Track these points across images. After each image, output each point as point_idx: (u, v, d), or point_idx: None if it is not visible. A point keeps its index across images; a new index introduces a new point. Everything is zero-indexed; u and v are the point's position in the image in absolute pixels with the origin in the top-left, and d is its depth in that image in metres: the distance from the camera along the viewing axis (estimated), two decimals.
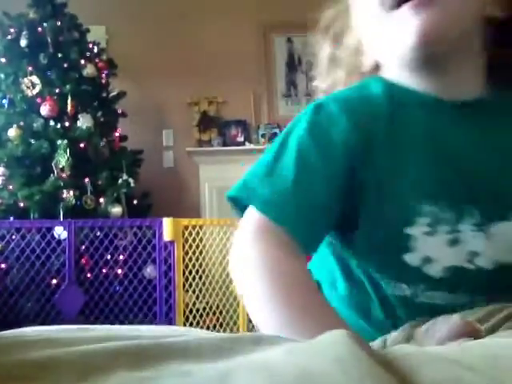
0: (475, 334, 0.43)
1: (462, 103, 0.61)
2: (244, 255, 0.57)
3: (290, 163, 0.58)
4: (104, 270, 2.82)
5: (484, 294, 0.58)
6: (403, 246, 0.58)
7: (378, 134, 0.60)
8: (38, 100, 3.16)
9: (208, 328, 2.67)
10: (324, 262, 0.69)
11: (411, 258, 0.58)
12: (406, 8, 0.58)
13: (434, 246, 0.58)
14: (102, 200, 3.06)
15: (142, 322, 2.72)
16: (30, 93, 3.19)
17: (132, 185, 3.23)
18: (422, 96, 0.62)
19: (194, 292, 2.74)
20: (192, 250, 2.72)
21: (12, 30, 3.31)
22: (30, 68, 3.21)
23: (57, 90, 3.20)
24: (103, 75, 3.52)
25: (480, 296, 0.58)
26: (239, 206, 0.61)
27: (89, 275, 2.80)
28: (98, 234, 2.79)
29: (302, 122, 0.61)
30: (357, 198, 0.59)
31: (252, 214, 0.58)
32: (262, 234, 0.56)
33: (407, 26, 0.58)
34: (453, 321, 0.45)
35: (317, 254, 0.67)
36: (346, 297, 0.66)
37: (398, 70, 0.64)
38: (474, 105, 0.62)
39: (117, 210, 3.08)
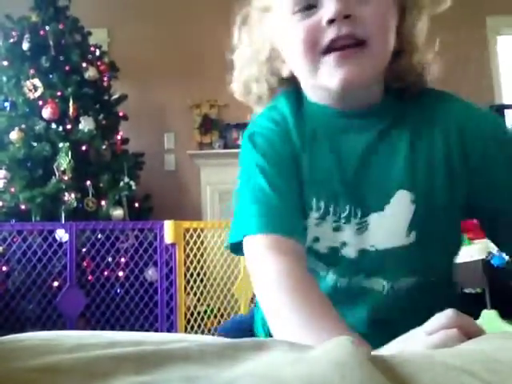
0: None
1: (358, 112, 0.72)
2: (259, 272, 0.65)
3: (257, 188, 0.69)
4: (105, 273, 2.82)
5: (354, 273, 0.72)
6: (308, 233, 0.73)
7: (296, 147, 0.72)
8: (40, 103, 3.17)
9: (209, 331, 2.67)
10: None
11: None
12: (333, 57, 0.65)
13: (321, 231, 0.72)
14: (103, 202, 3.06)
15: (143, 325, 2.72)
16: (31, 95, 3.19)
17: (133, 187, 3.23)
18: (327, 109, 0.73)
19: (195, 295, 2.74)
20: (193, 252, 2.72)
21: (14, 33, 3.32)
22: (32, 71, 3.22)
23: (58, 93, 3.20)
24: (105, 78, 3.53)
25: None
26: (239, 249, 0.70)
27: (90, 278, 2.80)
28: (100, 236, 2.80)
29: (249, 157, 0.74)
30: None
31: (250, 241, 0.67)
32: (265, 248, 0.65)
33: (334, 71, 0.66)
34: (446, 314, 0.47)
35: None
36: None
37: (310, 91, 0.74)
38: (368, 112, 0.72)
39: (118, 212, 3.08)
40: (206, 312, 2.78)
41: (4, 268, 2.75)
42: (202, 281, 2.77)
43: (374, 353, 0.43)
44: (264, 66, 0.77)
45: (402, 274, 0.72)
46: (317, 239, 0.72)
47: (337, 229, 0.71)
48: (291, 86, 0.77)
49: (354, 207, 0.70)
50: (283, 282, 0.60)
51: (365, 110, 0.72)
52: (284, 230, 0.66)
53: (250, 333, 0.88)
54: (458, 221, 0.74)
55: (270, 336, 0.75)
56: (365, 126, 0.72)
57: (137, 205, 3.31)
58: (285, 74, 0.76)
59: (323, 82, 0.67)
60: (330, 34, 0.65)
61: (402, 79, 0.74)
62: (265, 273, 0.63)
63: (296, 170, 0.71)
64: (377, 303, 0.72)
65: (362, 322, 0.71)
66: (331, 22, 0.64)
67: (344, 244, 0.71)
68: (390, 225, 0.70)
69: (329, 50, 0.66)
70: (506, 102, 4.39)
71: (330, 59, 0.65)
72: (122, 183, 3.20)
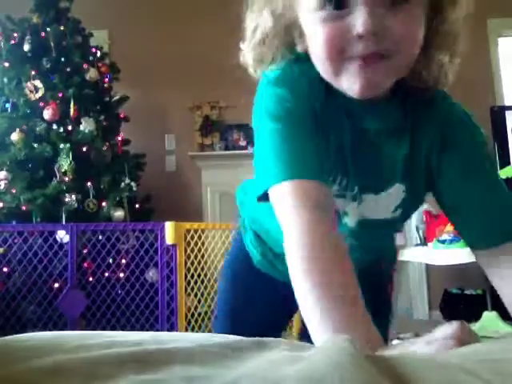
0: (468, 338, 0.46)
1: (373, 102, 0.71)
2: (288, 235, 0.64)
3: (275, 144, 0.69)
4: (106, 274, 2.82)
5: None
6: None
7: (317, 109, 0.72)
8: (41, 104, 3.17)
9: (210, 332, 2.67)
10: None
11: None
12: (354, 66, 0.65)
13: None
14: (104, 204, 3.07)
15: (143, 326, 2.72)
16: (32, 97, 3.20)
17: (134, 189, 3.23)
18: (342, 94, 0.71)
19: (195, 296, 2.74)
20: (194, 253, 2.72)
21: (15, 35, 3.32)
22: (33, 72, 3.23)
23: (60, 94, 3.21)
24: (106, 79, 3.53)
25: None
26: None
27: (91, 279, 2.80)
28: (100, 237, 2.80)
29: (271, 99, 0.72)
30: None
31: (276, 192, 0.67)
32: (292, 201, 0.65)
33: (354, 80, 0.66)
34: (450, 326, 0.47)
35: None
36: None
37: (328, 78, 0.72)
38: (382, 104, 0.74)
39: (119, 213, 3.08)
40: (206, 313, 2.79)
41: (5, 269, 2.76)
42: (202, 282, 2.77)
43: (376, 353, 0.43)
44: (281, 35, 0.74)
45: (378, 229, 0.86)
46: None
47: (340, 196, 0.80)
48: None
49: (354, 184, 0.79)
50: (312, 259, 0.60)
51: (378, 100, 0.73)
52: (309, 174, 0.67)
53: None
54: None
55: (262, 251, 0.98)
56: (379, 117, 0.75)
57: (138, 206, 3.32)
58: (300, 49, 0.74)
59: (343, 86, 0.68)
60: (355, 49, 0.64)
61: (420, 80, 0.74)
62: (294, 239, 0.63)
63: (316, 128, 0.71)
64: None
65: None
66: (360, 36, 0.63)
67: (352, 213, 0.82)
68: (381, 204, 0.81)
69: (352, 57, 0.65)
70: (506, 103, 4.39)
71: (352, 67, 0.66)
72: (122, 184, 3.20)
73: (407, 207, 0.82)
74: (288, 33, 0.74)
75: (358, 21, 0.62)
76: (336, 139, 0.75)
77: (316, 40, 0.67)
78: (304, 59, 0.73)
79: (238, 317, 1.06)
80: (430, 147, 0.76)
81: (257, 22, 0.78)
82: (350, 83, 0.67)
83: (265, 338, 0.42)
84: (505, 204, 0.75)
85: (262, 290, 1.05)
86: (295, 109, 0.70)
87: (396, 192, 0.80)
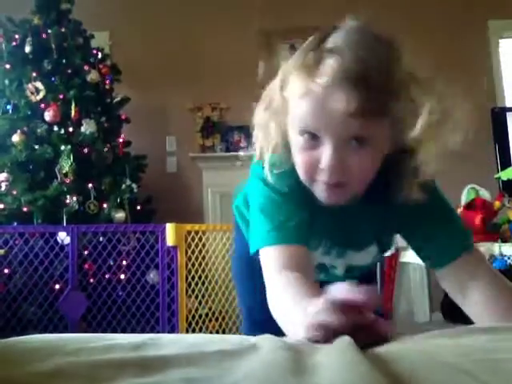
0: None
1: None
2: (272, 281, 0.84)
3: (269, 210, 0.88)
4: (107, 276, 2.82)
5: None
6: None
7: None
8: (42, 105, 3.17)
9: (211, 334, 2.67)
10: None
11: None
12: (323, 188, 0.82)
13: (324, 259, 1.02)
14: (105, 205, 3.07)
15: (144, 328, 2.72)
16: (33, 98, 3.20)
17: (135, 190, 3.24)
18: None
19: (196, 297, 2.74)
20: (195, 255, 2.72)
21: (16, 36, 3.33)
22: (34, 74, 3.23)
23: (61, 96, 3.21)
24: (107, 81, 3.53)
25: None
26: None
27: (92, 280, 2.80)
28: (101, 239, 2.80)
29: (265, 195, 0.91)
30: None
31: (268, 252, 0.86)
32: (277, 261, 0.84)
33: (322, 194, 0.84)
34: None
35: None
36: None
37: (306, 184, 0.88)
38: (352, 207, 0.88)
39: (120, 215, 3.08)
40: (207, 315, 2.78)
41: (6, 270, 2.76)
42: (203, 283, 2.78)
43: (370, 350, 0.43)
44: (281, 141, 0.88)
45: (362, 270, 1.10)
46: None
47: (324, 254, 1.01)
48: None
49: (339, 246, 1.00)
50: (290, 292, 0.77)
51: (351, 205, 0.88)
52: (294, 239, 0.86)
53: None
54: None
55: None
56: (352, 213, 0.91)
57: (139, 207, 3.31)
58: (288, 152, 0.87)
59: (316, 194, 0.85)
60: (321, 177, 0.81)
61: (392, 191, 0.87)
62: (274, 288, 0.82)
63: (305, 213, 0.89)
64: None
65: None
66: (327, 169, 0.79)
67: (329, 262, 1.03)
68: (363, 256, 1.03)
69: (320, 182, 0.83)
70: (507, 104, 4.39)
71: (319, 187, 0.83)
72: (123, 186, 3.20)
73: (380, 256, 1.09)
74: (285, 139, 0.87)
75: (324, 156, 0.78)
76: (320, 215, 0.90)
77: (296, 161, 0.84)
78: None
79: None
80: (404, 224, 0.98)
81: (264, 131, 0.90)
82: (319, 196, 0.85)
83: (262, 340, 0.42)
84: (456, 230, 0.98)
85: None
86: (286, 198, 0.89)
87: (371, 250, 1.02)
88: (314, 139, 0.79)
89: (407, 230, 1.00)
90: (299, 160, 0.83)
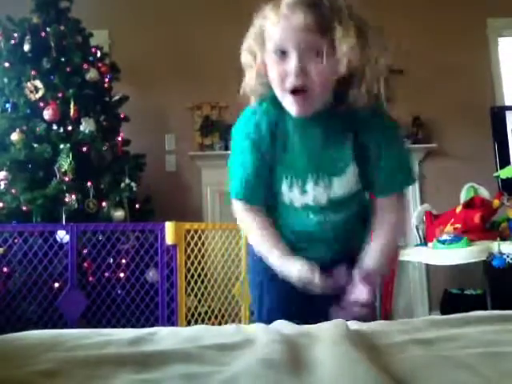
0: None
1: (312, 115, 1.11)
2: (242, 220, 1.26)
3: (241, 174, 1.22)
4: (106, 274, 2.82)
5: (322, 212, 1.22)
6: (282, 198, 1.23)
7: (274, 136, 1.17)
8: (41, 104, 3.17)
9: None
10: None
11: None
12: (290, 98, 1.08)
13: (295, 197, 1.21)
14: (104, 204, 3.06)
15: (143, 326, 2.71)
16: (33, 97, 3.20)
17: (134, 189, 3.23)
18: (290, 115, 1.12)
19: (195, 296, 2.74)
20: (194, 253, 2.72)
21: (15, 35, 3.32)
22: (33, 72, 3.22)
23: (60, 95, 3.21)
24: (106, 79, 3.52)
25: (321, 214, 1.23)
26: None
27: (91, 279, 2.80)
28: (101, 237, 2.80)
29: (245, 146, 1.20)
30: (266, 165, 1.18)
31: (235, 202, 1.26)
32: (242, 208, 1.24)
33: (290, 108, 1.09)
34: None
35: None
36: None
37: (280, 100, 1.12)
38: (318, 115, 1.12)
39: (119, 213, 3.08)
40: (206, 313, 2.78)
41: (5, 269, 2.76)
42: (202, 282, 2.78)
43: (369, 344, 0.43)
44: (261, 80, 1.16)
45: (347, 206, 1.24)
46: (291, 201, 1.22)
47: (303, 193, 1.19)
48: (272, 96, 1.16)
49: (322, 175, 1.18)
50: (257, 228, 1.22)
51: (316, 116, 1.12)
52: (253, 200, 1.23)
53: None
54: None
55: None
56: (319, 123, 1.15)
57: (138, 206, 3.31)
58: (268, 84, 1.14)
59: (286, 107, 1.11)
60: (289, 83, 1.06)
61: (348, 101, 1.11)
62: (247, 225, 1.25)
63: (271, 156, 1.18)
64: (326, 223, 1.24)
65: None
66: (290, 74, 1.05)
67: (314, 199, 1.20)
68: (344, 184, 1.18)
69: (287, 91, 1.07)
70: (507, 103, 4.39)
71: (288, 98, 1.09)
72: (122, 184, 3.20)
73: (362, 182, 1.21)
74: (264, 77, 1.14)
75: (291, 62, 1.05)
76: (298, 144, 1.16)
77: (271, 74, 1.11)
78: (268, 99, 1.17)
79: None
80: (375, 138, 1.16)
81: (247, 76, 1.20)
82: (290, 110, 1.10)
83: (259, 336, 0.42)
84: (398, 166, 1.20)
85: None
86: (255, 140, 1.17)
87: (352, 171, 1.17)
88: (283, 55, 1.06)
89: (365, 148, 1.17)
90: (274, 73, 1.09)
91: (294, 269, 1.10)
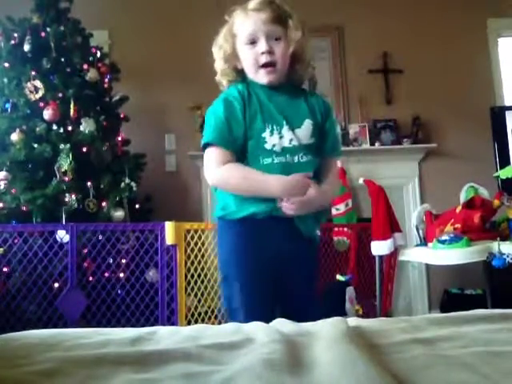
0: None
1: (276, 87, 1.52)
2: (212, 168, 1.48)
3: (213, 122, 1.49)
4: (106, 274, 2.82)
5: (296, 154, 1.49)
6: (263, 148, 1.46)
7: (245, 100, 1.49)
8: (41, 104, 3.17)
9: None
10: None
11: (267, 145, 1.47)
12: (263, 70, 1.49)
13: (276, 141, 1.47)
14: (104, 204, 3.06)
15: (143, 326, 2.71)
16: (32, 97, 3.20)
17: (134, 189, 3.23)
18: (261, 85, 1.51)
19: (195, 296, 2.74)
20: (194, 253, 2.72)
21: (15, 35, 3.32)
22: (33, 72, 3.22)
23: (60, 95, 3.21)
24: (106, 80, 3.53)
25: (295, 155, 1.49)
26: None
27: (91, 279, 2.80)
28: (101, 237, 2.80)
29: (218, 104, 1.51)
30: (246, 125, 1.47)
31: (210, 148, 1.49)
32: (214, 156, 1.47)
33: (264, 78, 1.49)
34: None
35: None
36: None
37: (250, 77, 1.54)
38: (280, 89, 1.53)
39: (119, 213, 3.08)
40: (206, 313, 2.78)
41: (5, 269, 2.76)
42: (202, 282, 2.78)
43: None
44: (231, 64, 1.57)
45: (309, 152, 1.51)
46: (273, 145, 1.46)
47: (281, 138, 1.47)
48: (241, 77, 1.57)
49: (290, 126, 1.48)
50: (227, 171, 1.45)
51: (278, 87, 1.53)
52: (224, 144, 1.46)
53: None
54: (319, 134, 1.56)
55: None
56: (282, 92, 1.53)
57: (138, 206, 3.32)
58: (239, 67, 1.55)
59: (260, 80, 1.51)
60: (262, 59, 1.48)
61: (296, 76, 1.58)
62: (216, 171, 1.47)
63: (243, 117, 1.47)
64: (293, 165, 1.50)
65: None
66: (263, 53, 1.47)
67: (290, 142, 1.47)
68: (304, 133, 1.50)
69: (261, 66, 1.49)
70: (506, 103, 4.39)
71: (261, 71, 1.50)
72: (122, 184, 3.20)
73: (316, 136, 1.53)
74: (234, 60, 1.55)
75: (261, 47, 1.47)
76: (263, 108, 1.49)
77: (246, 58, 1.51)
78: (239, 81, 1.57)
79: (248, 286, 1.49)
80: (320, 114, 1.56)
81: (218, 62, 1.62)
82: (261, 78, 1.50)
83: (258, 334, 0.42)
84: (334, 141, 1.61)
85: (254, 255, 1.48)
86: (227, 102, 1.50)
87: (308, 123, 1.51)
88: (254, 43, 1.48)
89: (319, 124, 1.55)
90: (248, 56, 1.50)
91: (278, 182, 1.42)
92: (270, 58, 1.46)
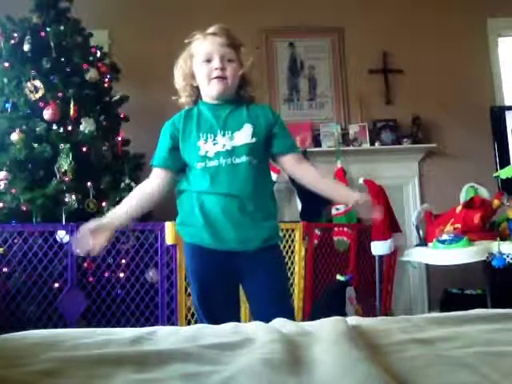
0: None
1: (220, 104, 1.73)
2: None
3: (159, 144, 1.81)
4: (106, 274, 2.82)
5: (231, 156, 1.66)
6: (197, 154, 1.67)
7: (177, 125, 1.77)
8: (41, 104, 3.17)
9: None
10: None
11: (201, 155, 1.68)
12: (215, 81, 1.68)
13: (209, 148, 1.66)
14: (104, 204, 3.06)
15: (143, 326, 2.71)
16: (32, 97, 3.19)
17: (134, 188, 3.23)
18: (207, 104, 1.75)
19: None
20: None
21: (15, 35, 3.31)
22: (33, 72, 3.22)
23: (60, 94, 3.20)
24: (106, 79, 3.52)
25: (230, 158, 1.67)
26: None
27: (91, 279, 2.80)
28: None
29: (163, 129, 1.84)
30: (178, 145, 1.73)
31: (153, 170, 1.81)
32: (152, 174, 1.83)
33: (214, 88, 1.69)
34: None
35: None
36: None
37: (204, 94, 1.76)
38: (224, 104, 1.73)
39: None
40: None
41: (5, 269, 2.75)
42: None
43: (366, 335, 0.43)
44: (188, 82, 1.78)
45: (246, 153, 1.66)
46: (206, 152, 1.65)
47: (214, 144, 1.66)
48: (196, 94, 1.78)
49: (226, 132, 1.67)
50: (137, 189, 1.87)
51: (226, 101, 1.73)
52: (162, 164, 1.77)
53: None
54: (267, 137, 1.73)
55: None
56: (227, 106, 1.73)
57: None
58: (194, 84, 1.76)
59: (211, 91, 1.70)
60: (214, 73, 1.68)
61: (243, 94, 1.78)
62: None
63: (175, 138, 1.74)
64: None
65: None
66: (216, 68, 1.67)
67: (223, 147, 1.65)
68: (244, 134, 1.67)
69: (213, 78, 1.68)
70: (506, 103, 4.39)
71: (213, 81, 1.68)
72: (122, 184, 3.20)
73: (256, 137, 1.68)
74: (190, 79, 1.77)
75: (215, 63, 1.67)
76: (201, 122, 1.72)
77: (201, 73, 1.71)
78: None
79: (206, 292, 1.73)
80: (265, 120, 1.73)
81: (177, 80, 1.83)
82: (213, 90, 1.69)
83: (257, 335, 0.42)
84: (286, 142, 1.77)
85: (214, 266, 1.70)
86: (167, 129, 1.79)
87: (247, 127, 1.68)
88: (209, 61, 1.68)
89: (262, 128, 1.71)
90: (202, 71, 1.70)
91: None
92: (222, 73, 1.67)
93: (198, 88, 1.77)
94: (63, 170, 3.01)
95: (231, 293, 1.75)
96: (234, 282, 1.74)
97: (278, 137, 1.73)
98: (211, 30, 1.74)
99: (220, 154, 1.65)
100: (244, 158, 1.65)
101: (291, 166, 1.75)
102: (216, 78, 1.67)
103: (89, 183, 3.05)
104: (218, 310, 1.70)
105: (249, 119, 1.71)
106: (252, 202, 1.66)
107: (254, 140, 1.67)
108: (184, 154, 1.72)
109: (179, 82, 1.81)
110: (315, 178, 1.73)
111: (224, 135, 1.66)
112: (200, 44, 1.73)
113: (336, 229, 3.76)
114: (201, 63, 1.70)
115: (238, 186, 1.65)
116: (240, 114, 1.72)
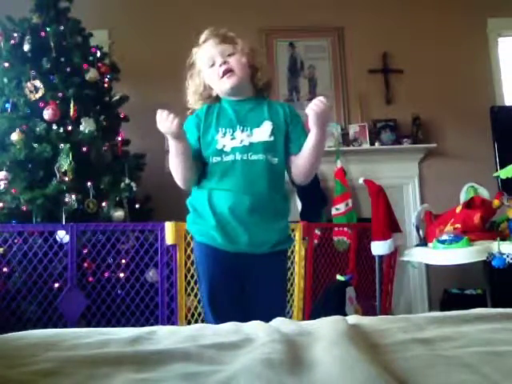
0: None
1: (241, 99, 1.80)
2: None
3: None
4: (106, 274, 2.82)
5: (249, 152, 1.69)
6: (215, 148, 1.71)
7: (200, 117, 1.81)
8: (41, 104, 3.17)
9: None
10: None
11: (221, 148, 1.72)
12: (224, 78, 1.74)
13: (227, 142, 1.71)
14: (104, 204, 3.06)
15: (143, 326, 2.72)
16: (32, 97, 3.19)
17: (134, 189, 3.23)
18: (229, 100, 1.80)
19: (195, 296, 2.74)
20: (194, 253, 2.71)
21: (15, 35, 3.31)
22: (33, 72, 3.22)
23: (59, 94, 3.20)
24: (106, 79, 3.52)
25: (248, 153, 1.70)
26: None
27: (91, 279, 2.80)
28: (100, 237, 2.80)
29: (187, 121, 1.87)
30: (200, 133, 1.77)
31: None
32: None
33: (227, 83, 1.74)
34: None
35: None
36: None
37: (222, 95, 1.81)
38: (245, 100, 1.80)
39: (119, 213, 3.08)
40: None
41: (5, 269, 2.75)
42: None
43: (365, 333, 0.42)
44: (200, 92, 1.88)
45: (263, 151, 1.69)
46: (224, 146, 1.69)
47: (232, 139, 1.69)
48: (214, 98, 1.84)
49: (245, 128, 1.71)
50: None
51: (248, 98, 1.80)
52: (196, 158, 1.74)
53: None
54: (285, 136, 1.76)
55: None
56: (248, 102, 1.79)
57: (138, 206, 3.31)
58: (214, 93, 1.84)
59: (225, 88, 1.76)
60: (221, 70, 1.74)
61: (257, 82, 1.82)
62: None
63: (199, 128, 1.77)
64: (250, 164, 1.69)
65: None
66: (220, 65, 1.74)
67: (241, 142, 1.69)
68: (263, 131, 1.71)
69: (221, 76, 1.75)
70: (506, 103, 4.39)
71: (223, 79, 1.74)
72: (122, 184, 3.20)
73: (276, 134, 1.72)
74: (208, 90, 1.85)
75: (218, 62, 1.76)
76: (220, 117, 1.76)
77: (211, 77, 1.80)
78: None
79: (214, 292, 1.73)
80: (284, 115, 1.78)
81: (192, 92, 1.93)
82: (226, 85, 1.74)
83: (258, 335, 0.42)
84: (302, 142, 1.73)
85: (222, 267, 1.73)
86: (192, 121, 1.83)
87: (267, 124, 1.72)
88: (213, 65, 1.77)
89: (282, 127, 1.75)
90: (212, 75, 1.79)
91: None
92: (226, 66, 1.74)
93: (217, 96, 1.83)
94: (63, 170, 3.01)
95: (240, 293, 1.74)
96: (241, 282, 1.74)
97: (292, 137, 1.75)
98: (202, 38, 1.86)
99: (236, 150, 1.67)
100: (261, 156, 1.67)
101: (290, 163, 1.76)
102: (224, 74, 1.73)
103: (89, 183, 3.05)
104: (226, 309, 1.70)
105: (269, 116, 1.74)
106: (263, 201, 1.66)
107: (271, 139, 1.71)
108: (202, 147, 1.74)
109: (194, 98, 1.91)
110: (298, 156, 1.72)
111: (243, 131, 1.70)
112: (200, 55, 1.84)
113: (336, 229, 3.76)
114: (207, 70, 1.79)
115: (250, 183, 1.65)
116: (261, 111, 1.76)
